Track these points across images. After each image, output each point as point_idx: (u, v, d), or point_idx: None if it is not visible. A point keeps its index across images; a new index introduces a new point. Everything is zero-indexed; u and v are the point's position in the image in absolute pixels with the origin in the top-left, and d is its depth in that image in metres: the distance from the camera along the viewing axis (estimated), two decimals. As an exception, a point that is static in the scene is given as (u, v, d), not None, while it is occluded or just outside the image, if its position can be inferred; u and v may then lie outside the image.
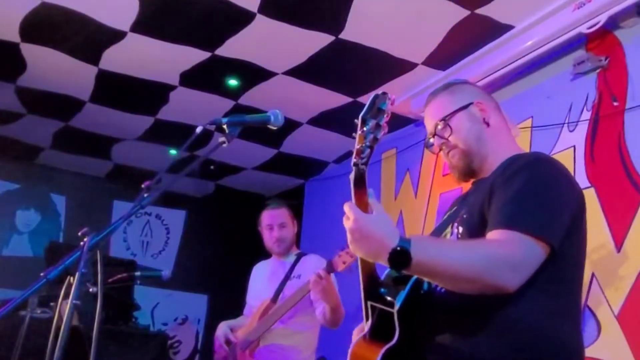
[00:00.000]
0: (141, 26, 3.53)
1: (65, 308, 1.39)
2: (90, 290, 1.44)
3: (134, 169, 5.80)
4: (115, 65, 3.98)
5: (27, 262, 5.58)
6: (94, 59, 3.92)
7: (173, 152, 5.31)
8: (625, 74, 2.89)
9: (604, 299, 2.78)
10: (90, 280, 1.44)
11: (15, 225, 5.76)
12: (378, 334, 1.52)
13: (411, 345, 1.48)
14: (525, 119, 3.42)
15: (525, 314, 1.41)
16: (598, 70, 3.01)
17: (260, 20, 3.37)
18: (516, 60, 3.32)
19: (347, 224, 1.41)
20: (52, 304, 3.46)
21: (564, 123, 3.17)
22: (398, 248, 1.35)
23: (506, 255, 1.38)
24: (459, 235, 1.58)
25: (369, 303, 1.57)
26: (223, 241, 6.25)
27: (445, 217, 1.75)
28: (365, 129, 1.34)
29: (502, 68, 3.41)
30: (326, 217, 5.15)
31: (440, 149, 1.71)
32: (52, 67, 4.05)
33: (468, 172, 1.68)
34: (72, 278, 1.42)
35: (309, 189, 5.81)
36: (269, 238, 3.20)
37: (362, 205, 1.41)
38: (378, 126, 1.35)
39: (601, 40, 3.03)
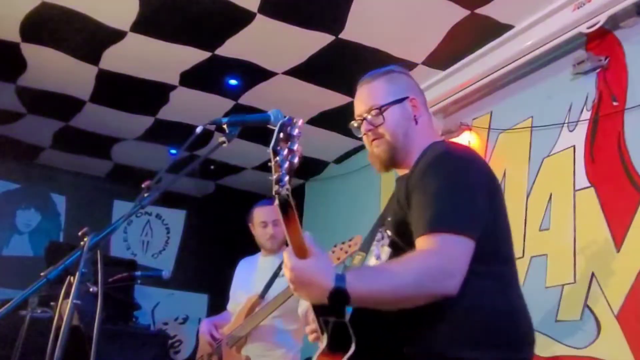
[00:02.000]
0: (141, 26, 3.53)
1: (65, 308, 1.39)
2: (91, 290, 1.44)
3: (134, 168, 5.80)
4: (115, 65, 3.98)
5: (27, 262, 5.58)
6: (94, 59, 3.92)
7: (173, 151, 5.31)
8: (625, 73, 2.89)
9: (603, 299, 2.78)
10: (90, 280, 1.43)
11: (15, 225, 5.77)
12: (337, 346, 1.53)
13: (372, 350, 1.49)
14: (525, 119, 3.42)
15: (468, 297, 1.44)
16: (598, 70, 3.01)
17: (260, 20, 3.37)
18: (516, 60, 3.32)
19: (286, 273, 1.44)
20: (52, 303, 3.46)
21: (563, 123, 3.17)
22: (334, 288, 1.37)
23: (438, 263, 1.42)
24: (390, 238, 1.62)
25: (321, 319, 1.57)
26: (223, 241, 6.24)
27: (381, 213, 1.79)
28: (277, 158, 1.37)
29: (502, 68, 3.41)
30: (326, 217, 5.16)
31: (365, 134, 1.73)
32: (52, 67, 4.05)
33: (389, 164, 1.72)
34: (72, 278, 1.42)
35: (309, 189, 5.81)
36: (262, 234, 3.19)
37: (296, 235, 1.42)
38: (291, 152, 1.38)
39: (601, 40, 3.03)
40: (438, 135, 1.79)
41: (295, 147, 1.39)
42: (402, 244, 1.56)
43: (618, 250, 2.76)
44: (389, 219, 1.64)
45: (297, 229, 1.42)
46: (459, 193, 1.51)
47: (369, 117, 1.71)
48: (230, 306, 3.34)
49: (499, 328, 1.49)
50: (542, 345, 2.99)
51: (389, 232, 1.63)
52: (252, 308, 3.05)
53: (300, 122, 1.41)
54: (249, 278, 3.24)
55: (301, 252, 1.42)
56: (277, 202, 1.40)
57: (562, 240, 3.01)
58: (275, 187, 1.38)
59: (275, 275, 3.10)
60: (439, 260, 1.43)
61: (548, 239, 3.12)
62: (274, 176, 1.37)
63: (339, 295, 1.37)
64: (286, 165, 1.37)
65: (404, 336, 1.49)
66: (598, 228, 2.85)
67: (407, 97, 1.72)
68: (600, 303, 2.79)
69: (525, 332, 1.56)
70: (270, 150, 1.38)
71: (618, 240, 2.77)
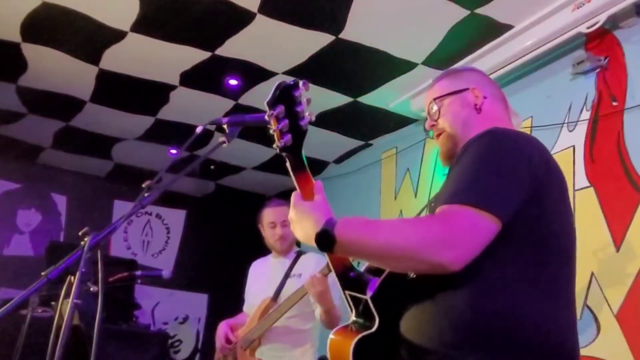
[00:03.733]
0: (141, 26, 3.54)
1: (66, 307, 1.40)
2: (91, 289, 1.44)
3: (134, 168, 5.81)
4: (115, 65, 3.98)
5: (28, 262, 5.58)
6: (94, 59, 3.93)
7: (173, 151, 5.32)
8: (625, 73, 2.90)
9: (603, 299, 2.78)
10: (90, 279, 1.44)
11: (16, 225, 5.77)
12: (362, 323, 1.47)
13: (391, 333, 1.41)
14: (525, 119, 3.42)
15: (481, 294, 1.31)
16: (597, 70, 3.02)
17: (260, 20, 3.38)
18: (516, 60, 3.33)
19: (290, 212, 1.47)
20: (53, 303, 3.48)
21: (563, 123, 3.18)
22: (322, 229, 1.36)
23: (438, 230, 1.29)
24: None
25: (347, 292, 1.50)
26: (223, 241, 6.26)
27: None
28: (273, 111, 1.38)
29: (502, 68, 3.41)
30: (326, 217, 5.14)
31: (432, 131, 1.71)
32: (53, 67, 4.05)
33: (452, 156, 1.62)
34: (72, 277, 1.42)
35: (309, 188, 5.81)
36: (271, 235, 3.17)
37: (308, 191, 1.46)
38: (292, 113, 1.39)
39: (600, 40, 3.04)
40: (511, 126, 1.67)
41: (301, 109, 1.40)
42: None
43: (618, 250, 2.77)
44: (433, 204, 1.55)
45: (311, 187, 1.47)
46: (490, 170, 1.36)
47: (429, 111, 1.70)
48: (245, 308, 3.34)
49: (519, 332, 1.30)
50: (542, 345, 2.99)
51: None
52: (266, 310, 3.04)
53: (301, 82, 1.41)
54: (261, 280, 3.23)
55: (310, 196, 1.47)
56: (287, 163, 1.46)
57: (562, 240, 3.01)
58: (278, 144, 1.42)
59: (287, 276, 3.09)
60: (441, 227, 1.29)
61: (548, 238, 3.12)
62: (272, 130, 1.41)
63: (325, 237, 1.35)
64: (284, 123, 1.39)
65: (416, 325, 1.39)
66: (598, 228, 2.86)
67: (467, 89, 1.68)
68: (599, 303, 2.79)
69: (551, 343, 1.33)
70: (265, 103, 1.40)
71: (618, 240, 2.77)
